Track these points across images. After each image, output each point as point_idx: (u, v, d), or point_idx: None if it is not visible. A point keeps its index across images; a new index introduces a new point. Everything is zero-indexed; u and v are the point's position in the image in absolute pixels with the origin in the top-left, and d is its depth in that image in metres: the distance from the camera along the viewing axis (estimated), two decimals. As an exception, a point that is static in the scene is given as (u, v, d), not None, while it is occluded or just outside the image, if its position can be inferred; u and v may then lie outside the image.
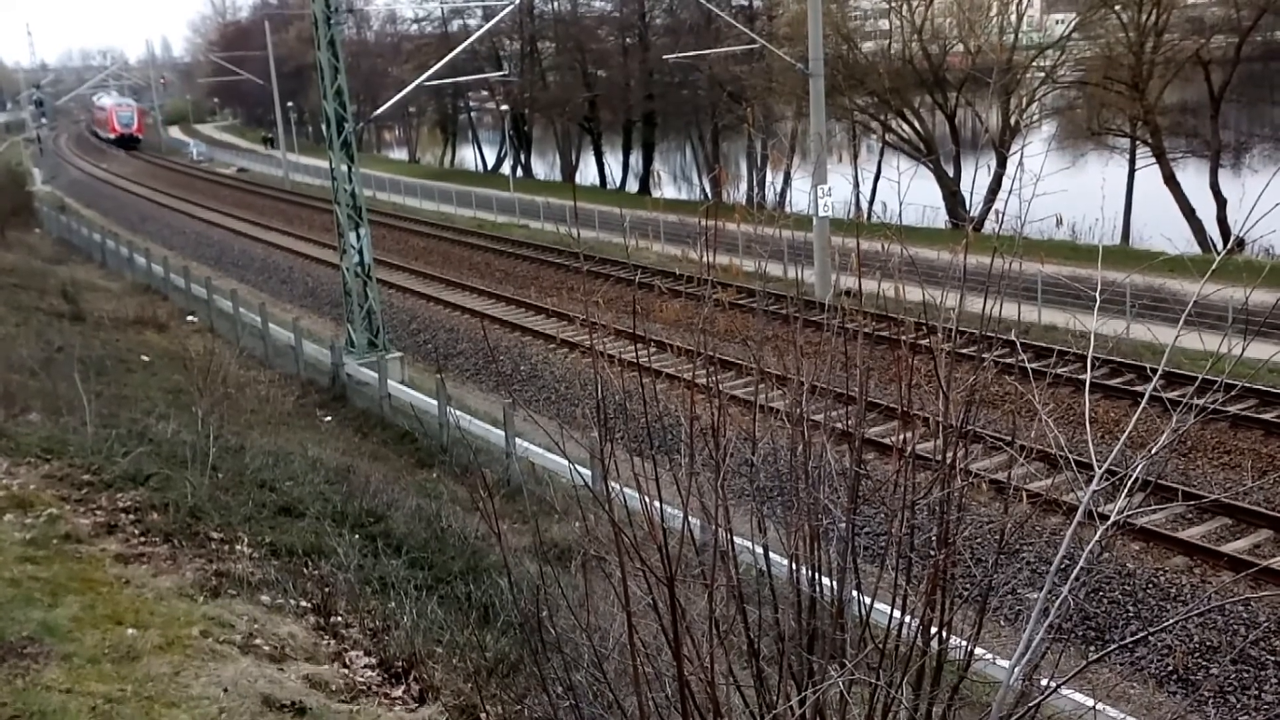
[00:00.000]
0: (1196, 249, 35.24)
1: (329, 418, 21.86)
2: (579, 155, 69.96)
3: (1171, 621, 12.76)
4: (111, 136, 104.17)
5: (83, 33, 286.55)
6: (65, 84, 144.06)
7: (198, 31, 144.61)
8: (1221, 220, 36.95)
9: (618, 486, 4.47)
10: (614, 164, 67.27)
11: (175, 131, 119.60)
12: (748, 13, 52.71)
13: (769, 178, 54.05)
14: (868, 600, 4.91)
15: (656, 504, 4.32)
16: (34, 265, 37.04)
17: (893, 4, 44.16)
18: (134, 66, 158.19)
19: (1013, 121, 41.97)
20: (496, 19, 49.86)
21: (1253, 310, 5.20)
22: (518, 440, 17.43)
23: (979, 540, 11.50)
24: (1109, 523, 4.19)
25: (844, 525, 4.80)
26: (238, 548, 9.52)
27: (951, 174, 43.67)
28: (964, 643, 4.82)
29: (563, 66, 64.90)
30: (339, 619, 8.44)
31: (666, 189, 61.97)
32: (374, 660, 7.79)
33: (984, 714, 4.42)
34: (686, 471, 4.50)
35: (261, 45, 73.19)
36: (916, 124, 44.01)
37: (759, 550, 5.03)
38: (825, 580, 4.86)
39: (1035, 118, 44.09)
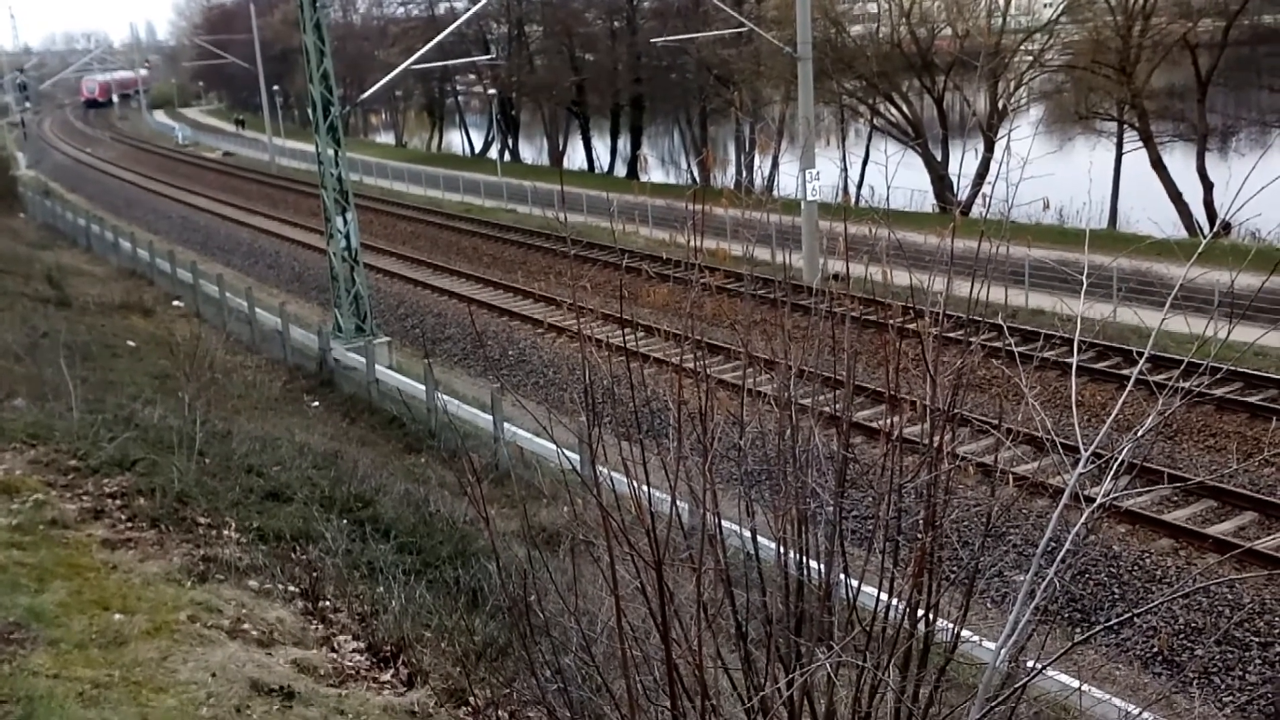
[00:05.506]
0: (1183, 233, 35.34)
1: (316, 403, 21.81)
2: (566, 139, 69.73)
3: (1157, 603, 12.84)
4: (82, 100, 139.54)
5: (66, 16, 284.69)
6: (49, 68, 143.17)
7: (182, 15, 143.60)
8: (1208, 204, 37.05)
9: (606, 471, 4.46)
10: (602, 148, 67.06)
11: (160, 115, 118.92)
12: (736, -4, 52.50)
13: (757, 162, 53.98)
14: (855, 583, 4.93)
15: (644, 488, 4.32)
16: (18, 250, 36.76)
17: (881, -13, 44.10)
18: (118, 50, 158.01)
19: (1000, 105, 41.98)
20: (484, 2, 49.66)
21: (1238, 294, 5.22)
22: (506, 425, 17.41)
23: (966, 523, 11.55)
24: (1095, 505, 4.20)
25: (831, 509, 4.82)
26: (225, 533, 9.50)
27: (939, 158, 43.69)
28: (951, 625, 4.84)
29: (550, 50, 64.62)
30: (327, 604, 8.43)
31: (654, 173, 61.86)
32: (362, 644, 7.80)
33: (970, 695, 4.44)
34: (674, 456, 4.49)
35: (247, 29, 72.68)
36: (904, 108, 43.99)
37: (747, 534, 5.04)
38: (813, 563, 4.88)
39: (1023, 101, 44.12)
